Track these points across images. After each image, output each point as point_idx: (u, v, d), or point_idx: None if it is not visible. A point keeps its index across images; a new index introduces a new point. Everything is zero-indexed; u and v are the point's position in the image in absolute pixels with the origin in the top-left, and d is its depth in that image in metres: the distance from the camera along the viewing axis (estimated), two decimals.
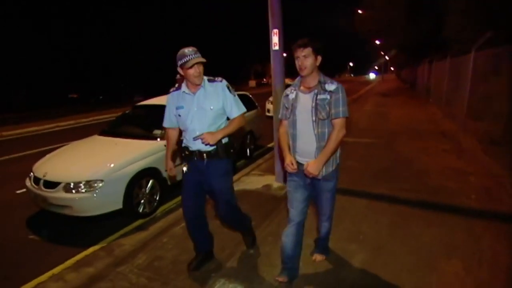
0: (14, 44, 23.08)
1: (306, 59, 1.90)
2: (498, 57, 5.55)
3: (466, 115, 6.83)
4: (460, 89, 7.40)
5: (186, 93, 2.24)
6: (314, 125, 1.96)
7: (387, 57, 45.18)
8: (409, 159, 5.13)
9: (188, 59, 2.08)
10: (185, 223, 2.47)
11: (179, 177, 2.49)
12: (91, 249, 3.07)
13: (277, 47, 3.78)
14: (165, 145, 2.97)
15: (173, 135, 2.45)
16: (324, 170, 2.01)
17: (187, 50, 2.10)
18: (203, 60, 2.13)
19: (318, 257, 2.47)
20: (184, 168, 2.35)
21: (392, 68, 61.26)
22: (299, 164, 2.07)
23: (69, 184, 3.32)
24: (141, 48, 33.74)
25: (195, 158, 2.26)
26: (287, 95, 2.12)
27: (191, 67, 2.10)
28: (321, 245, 2.48)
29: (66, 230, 3.60)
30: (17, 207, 4.14)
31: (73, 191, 3.31)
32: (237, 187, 3.80)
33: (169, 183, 4.00)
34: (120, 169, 3.50)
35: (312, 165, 1.94)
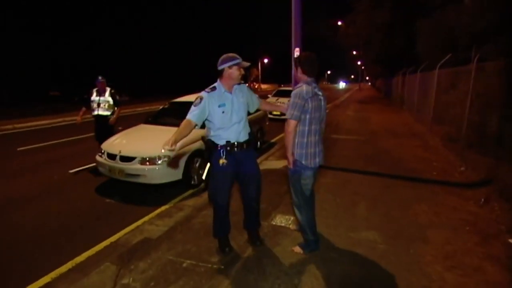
0: None
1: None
2: (455, 75, 7.18)
3: (432, 120, 8.50)
4: (428, 99, 9.09)
5: (228, 92, 2.58)
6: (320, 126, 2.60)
7: (363, 67, 48.14)
8: (388, 151, 6.60)
9: (240, 60, 2.52)
10: (215, 210, 2.72)
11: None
12: (163, 207, 4.11)
13: None
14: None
15: (188, 129, 2.42)
16: None
17: (234, 54, 2.54)
18: (248, 64, 2.63)
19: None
20: (224, 162, 2.54)
21: (367, 78, 64.87)
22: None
23: (145, 158, 4.38)
24: (129, 49, 33.95)
25: (236, 150, 2.57)
26: (307, 99, 2.42)
27: (239, 68, 2.54)
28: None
29: (133, 196, 4.56)
30: (78, 183, 5.09)
31: (147, 163, 4.38)
32: (262, 167, 5.00)
33: None
34: (180, 148, 4.60)
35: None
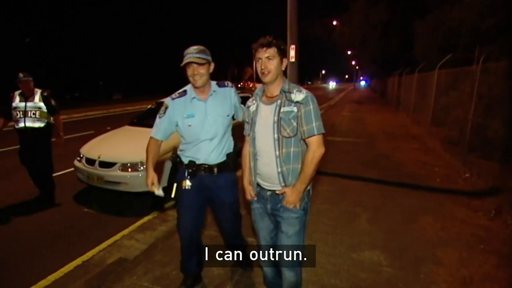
0: None
1: (270, 61, 1.59)
2: (455, 76, 6.92)
3: (431, 122, 8.24)
4: (426, 100, 8.84)
5: (198, 99, 1.99)
6: (276, 144, 1.61)
7: (357, 67, 48.15)
8: (388, 154, 6.30)
9: (184, 58, 1.89)
10: (180, 240, 2.18)
11: (159, 193, 1.98)
12: (146, 218, 3.73)
13: (293, 60, 4.73)
14: None
15: (157, 147, 2.07)
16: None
17: (191, 48, 1.91)
18: (198, 61, 1.87)
19: None
20: (187, 185, 2.02)
21: (361, 78, 64.97)
22: (261, 189, 1.76)
23: (126, 164, 3.99)
24: (122, 47, 33.38)
25: (203, 173, 2.03)
26: (248, 107, 1.77)
27: (186, 66, 1.91)
28: None
29: (114, 205, 4.17)
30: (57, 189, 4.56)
31: (129, 169, 3.99)
32: None
33: None
34: (164, 153, 4.22)
35: (290, 196, 1.62)
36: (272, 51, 1.58)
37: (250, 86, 48.56)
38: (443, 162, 5.66)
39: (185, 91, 2.03)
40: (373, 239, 2.93)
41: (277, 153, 1.61)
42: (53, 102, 4.09)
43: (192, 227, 2.12)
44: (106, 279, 2.47)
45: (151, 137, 2.06)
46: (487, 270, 2.45)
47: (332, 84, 56.54)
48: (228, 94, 2.11)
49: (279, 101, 1.62)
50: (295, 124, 1.58)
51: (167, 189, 2.08)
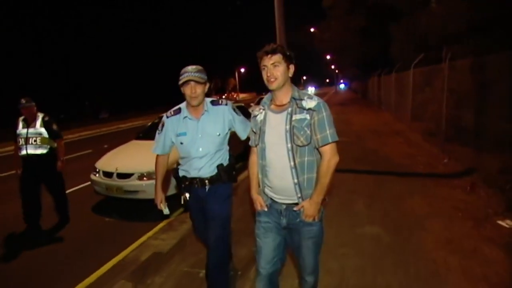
0: None
1: (275, 67, 1.57)
2: (428, 73, 7.65)
3: (411, 118, 8.96)
4: (405, 98, 9.58)
5: (189, 118, 2.05)
6: (290, 154, 1.56)
7: (337, 71, 49.80)
8: (375, 150, 6.89)
9: (182, 76, 1.93)
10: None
11: (166, 211, 2.31)
12: (165, 221, 4.05)
13: None
14: None
15: (164, 162, 2.24)
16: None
17: (189, 68, 1.96)
18: (197, 79, 1.92)
19: None
20: (185, 197, 2.18)
21: (342, 81, 66.91)
22: (274, 202, 1.70)
23: (142, 174, 4.37)
24: (106, 66, 33.41)
25: (196, 186, 2.11)
26: (255, 116, 1.74)
27: (184, 85, 1.95)
28: None
29: (132, 213, 4.50)
30: (73, 204, 4.67)
31: (145, 178, 4.37)
32: None
33: None
34: (172, 164, 4.62)
35: (309, 209, 1.58)
36: (277, 57, 1.56)
37: (234, 96, 49.26)
38: (425, 152, 6.29)
39: (179, 109, 2.09)
40: (371, 218, 3.44)
41: (292, 163, 1.56)
42: (54, 127, 4.01)
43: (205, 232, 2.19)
44: (146, 271, 2.83)
45: (153, 153, 2.21)
46: (465, 231, 2.99)
47: (311, 90, 56.17)
48: (222, 112, 2.09)
49: (289, 109, 1.58)
50: (308, 132, 1.54)
51: (176, 196, 2.34)
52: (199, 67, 1.99)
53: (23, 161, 3.92)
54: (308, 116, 1.54)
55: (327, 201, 1.67)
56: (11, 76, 26.58)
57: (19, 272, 3.17)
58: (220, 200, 2.11)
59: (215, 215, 2.10)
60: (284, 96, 1.62)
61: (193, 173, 2.10)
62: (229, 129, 2.14)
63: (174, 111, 2.11)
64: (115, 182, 4.44)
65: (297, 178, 1.57)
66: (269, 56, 1.56)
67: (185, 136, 2.05)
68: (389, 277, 2.38)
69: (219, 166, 2.10)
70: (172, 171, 2.28)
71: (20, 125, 3.92)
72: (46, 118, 3.99)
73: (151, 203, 4.49)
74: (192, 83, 1.93)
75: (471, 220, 3.19)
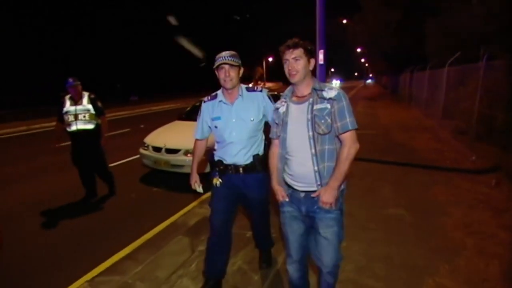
0: None
1: (297, 61, 1.63)
2: (464, 72, 7.63)
3: (442, 115, 8.95)
4: (437, 95, 9.53)
5: (224, 102, 2.11)
6: (312, 142, 1.63)
7: (367, 65, 48.48)
8: (402, 143, 7.09)
9: (217, 61, 2.00)
10: (210, 233, 2.28)
11: (200, 190, 2.36)
12: (208, 194, 4.51)
13: (322, 62, 5.56)
14: None
15: (202, 146, 2.31)
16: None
17: (224, 53, 2.02)
18: (231, 62, 1.99)
19: None
20: (217, 182, 2.19)
21: (370, 75, 65.07)
22: (294, 191, 1.76)
23: (188, 150, 4.90)
24: (135, 49, 34.54)
25: (230, 172, 2.15)
26: (277, 109, 1.80)
27: (219, 68, 2.01)
28: None
29: (176, 185, 4.97)
30: (120, 176, 5.11)
31: (189, 155, 4.88)
32: None
33: None
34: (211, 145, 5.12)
35: (324, 194, 1.62)
36: (298, 51, 1.62)
37: (261, 85, 49.17)
38: (453, 148, 6.42)
39: (216, 94, 2.17)
40: (396, 202, 3.78)
41: (313, 151, 1.62)
42: (99, 104, 4.26)
43: (221, 221, 2.20)
44: (201, 230, 3.28)
45: (194, 137, 2.29)
46: (484, 219, 3.27)
47: (335, 83, 54.46)
48: (256, 98, 2.13)
49: (311, 99, 1.65)
50: (329, 120, 1.60)
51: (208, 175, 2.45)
52: (233, 52, 2.06)
53: (71, 136, 4.18)
54: (328, 105, 1.60)
55: (343, 189, 1.73)
56: (55, 58, 28.32)
57: (83, 231, 3.58)
58: (256, 188, 2.20)
59: (253, 201, 2.25)
60: (305, 88, 1.69)
61: (228, 160, 2.15)
62: (264, 116, 2.15)
63: (211, 96, 2.19)
64: (164, 156, 5.01)
65: (317, 165, 1.63)
66: (291, 50, 1.63)
67: (220, 121, 2.10)
68: (410, 247, 2.76)
69: (255, 156, 2.14)
70: (208, 154, 2.50)
71: (68, 103, 4.12)
72: (92, 96, 4.24)
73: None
74: (227, 66, 1.99)
75: (491, 211, 3.45)
